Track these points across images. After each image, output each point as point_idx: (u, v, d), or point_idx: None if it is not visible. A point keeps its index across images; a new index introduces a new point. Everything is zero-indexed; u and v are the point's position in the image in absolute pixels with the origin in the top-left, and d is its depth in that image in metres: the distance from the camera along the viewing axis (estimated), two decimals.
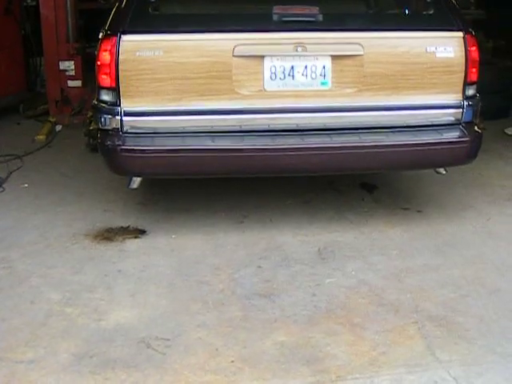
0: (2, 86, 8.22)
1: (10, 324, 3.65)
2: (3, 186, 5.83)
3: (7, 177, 6.05)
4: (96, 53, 4.48)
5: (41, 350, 3.40)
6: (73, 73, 8.03)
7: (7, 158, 6.52)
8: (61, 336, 3.53)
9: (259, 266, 4.30)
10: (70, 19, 8.01)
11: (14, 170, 6.23)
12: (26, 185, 5.89)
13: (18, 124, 8.24)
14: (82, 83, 8.08)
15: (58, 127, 7.86)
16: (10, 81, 8.46)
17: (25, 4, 9.11)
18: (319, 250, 4.53)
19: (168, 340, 3.47)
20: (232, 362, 3.28)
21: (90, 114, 7.19)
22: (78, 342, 3.48)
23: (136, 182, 4.65)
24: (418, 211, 5.19)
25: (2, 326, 3.63)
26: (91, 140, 6.78)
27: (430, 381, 3.12)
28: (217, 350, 3.38)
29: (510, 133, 7.34)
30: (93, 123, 6.84)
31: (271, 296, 3.92)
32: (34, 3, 9.07)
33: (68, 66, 7.99)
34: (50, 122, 7.94)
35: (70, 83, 8.09)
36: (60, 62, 7.99)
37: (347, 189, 5.68)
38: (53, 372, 3.22)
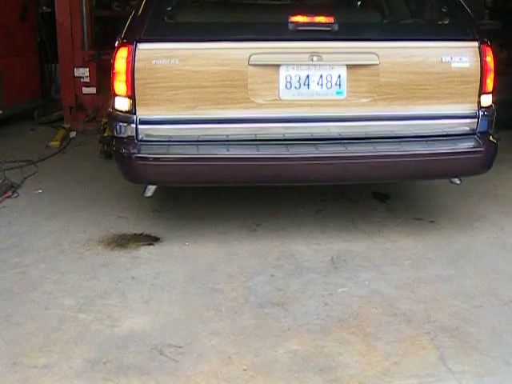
0: (16, 93, 8.27)
1: (24, 329, 3.66)
2: (18, 191, 5.87)
3: (21, 182, 6.09)
4: (112, 61, 4.50)
5: (54, 356, 3.41)
6: (87, 79, 8.09)
7: (21, 163, 6.56)
8: (74, 342, 3.54)
9: (272, 275, 4.31)
10: (85, 26, 8.06)
11: (29, 176, 6.27)
12: (41, 190, 5.93)
13: (32, 130, 8.30)
14: (97, 90, 8.12)
15: (72, 134, 7.91)
16: (25, 87, 8.51)
17: (40, 11, 9.17)
18: (332, 259, 4.54)
19: (181, 347, 3.48)
20: (245, 370, 3.28)
21: (104, 120, 7.25)
22: (91, 347, 3.49)
23: (151, 190, 4.66)
24: (431, 221, 5.19)
25: (16, 331, 3.64)
26: (105, 147, 6.81)
27: None
28: (229, 357, 3.39)
29: None
30: (107, 130, 6.88)
31: (284, 304, 3.92)
32: (49, 10, 9.13)
33: (83, 72, 8.05)
34: (64, 128, 7.98)
35: (85, 90, 8.14)
36: (75, 69, 8.05)
37: (360, 198, 5.68)
38: (66, 378, 3.22)
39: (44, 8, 9.22)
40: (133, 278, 4.28)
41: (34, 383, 3.19)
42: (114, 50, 4.52)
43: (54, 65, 9.04)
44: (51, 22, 8.65)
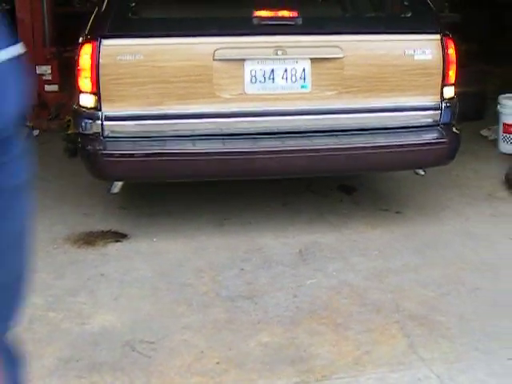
0: None
1: None
2: None
3: None
4: (76, 57, 4.47)
5: (26, 355, 3.39)
6: (50, 77, 8.00)
7: None
8: (45, 340, 3.53)
9: (241, 269, 4.33)
10: (46, 23, 7.98)
11: None
12: None
13: None
14: (59, 87, 8.04)
15: (36, 132, 7.82)
16: None
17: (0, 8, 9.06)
18: (300, 251, 4.57)
19: (153, 343, 3.48)
20: (217, 363, 3.30)
21: (67, 118, 7.19)
22: (62, 346, 3.48)
23: (117, 186, 4.65)
24: (397, 212, 5.24)
25: None
26: (69, 145, 6.75)
27: (414, 379, 3.16)
28: (202, 352, 3.40)
29: (485, 134, 7.43)
30: (70, 128, 6.83)
31: (254, 298, 3.95)
32: (8, 7, 9.01)
33: (45, 70, 7.95)
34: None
35: (47, 88, 8.05)
36: (37, 67, 7.95)
37: (326, 191, 5.71)
38: (39, 377, 3.20)
39: (3, 5, 9.08)
40: (101, 275, 4.27)
41: None
42: (78, 47, 4.49)
43: None
44: (11, 20, 8.55)
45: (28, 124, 7.86)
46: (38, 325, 3.68)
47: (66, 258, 4.53)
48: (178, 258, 4.50)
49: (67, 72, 7.07)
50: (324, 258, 4.46)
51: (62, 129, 7.36)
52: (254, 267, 4.35)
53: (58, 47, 8.04)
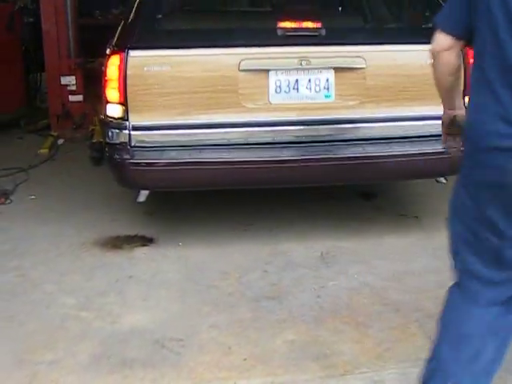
0: (2, 102, 8.33)
1: (28, 328, 3.80)
2: (11, 197, 5.95)
3: (14, 189, 6.15)
4: (103, 68, 4.59)
5: (60, 352, 3.55)
6: (74, 87, 8.13)
7: (12, 170, 6.62)
8: (78, 338, 3.68)
9: (265, 271, 4.46)
10: (71, 34, 8.14)
11: (20, 183, 6.31)
12: (34, 196, 6.01)
13: (20, 138, 8.34)
14: (83, 98, 8.20)
15: (60, 141, 7.97)
16: (11, 96, 8.57)
17: (25, 20, 9.24)
18: (322, 254, 4.69)
19: (182, 340, 3.63)
20: (245, 359, 3.44)
21: (91, 127, 7.35)
22: (94, 343, 3.63)
23: (144, 195, 4.71)
24: (415, 217, 5.35)
25: (20, 330, 3.78)
26: (94, 153, 6.90)
27: None
28: (229, 348, 3.54)
29: None
30: (95, 137, 6.98)
31: (278, 298, 4.08)
32: (31, 20, 9.18)
33: (69, 80, 8.09)
34: (52, 136, 8.05)
35: (72, 98, 8.18)
36: (61, 77, 8.10)
37: (347, 197, 5.81)
38: (73, 372, 3.37)
39: (28, 18, 9.26)
40: (130, 277, 4.41)
41: (42, 378, 3.33)
42: (105, 58, 4.61)
43: (39, 74, 9.12)
44: (35, 32, 8.72)
45: (53, 133, 8.06)
46: (70, 323, 3.84)
47: (95, 261, 4.67)
48: (203, 261, 4.64)
49: (91, 82, 7.25)
50: (345, 261, 4.58)
51: (86, 138, 7.52)
52: (278, 269, 4.48)
53: (83, 58, 8.19)
